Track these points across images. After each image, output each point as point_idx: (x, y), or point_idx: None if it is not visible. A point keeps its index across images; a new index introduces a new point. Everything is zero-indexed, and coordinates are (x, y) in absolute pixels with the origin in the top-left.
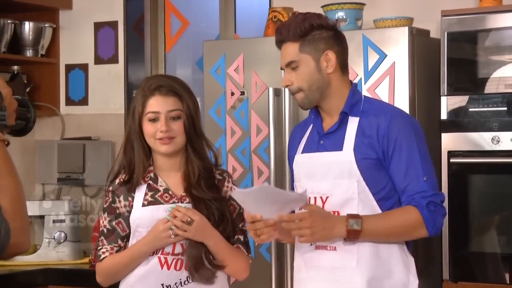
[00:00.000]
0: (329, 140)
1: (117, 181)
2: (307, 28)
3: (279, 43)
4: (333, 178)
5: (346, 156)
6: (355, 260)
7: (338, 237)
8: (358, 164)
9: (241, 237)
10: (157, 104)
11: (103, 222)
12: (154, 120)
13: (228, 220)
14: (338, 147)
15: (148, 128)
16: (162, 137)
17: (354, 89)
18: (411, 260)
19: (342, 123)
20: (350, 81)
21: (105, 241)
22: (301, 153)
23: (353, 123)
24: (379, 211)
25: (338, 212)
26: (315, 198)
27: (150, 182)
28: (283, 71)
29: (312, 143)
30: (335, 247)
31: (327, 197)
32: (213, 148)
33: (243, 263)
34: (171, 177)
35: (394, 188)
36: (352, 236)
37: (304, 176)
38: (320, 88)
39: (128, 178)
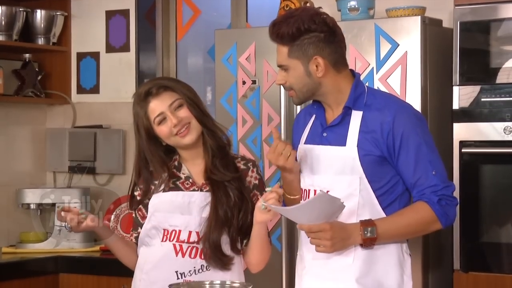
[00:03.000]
0: (332, 133)
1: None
2: (294, 33)
3: (272, 41)
4: (334, 173)
5: (349, 152)
6: (351, 257)
7: (354, 245)
8: (361, 160)
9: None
10: (156, 106)
11: (130, 211)
12: (163, 121)
13: (248, 201)
14: (341, 141)
15: (162, 130)
16: (179, 130)
17: (357, 82)
18: (408, 260)
19: (345, 117)
20: (352, 71)
21: (132, 229)
22: (304, 143)
23: (356, 117)
24: (379, 208)
25: None
26: (315, 191)
27: (174, 170)
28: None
29: (315, 135)
30: None
31: (327, 191)
32: (221, 128)
33: (267, 256)
34: (195, 165)
35: (396, 183)
36: (369, 243)
37: (306, 167)
38: (311, 90)
39: (144, 192)
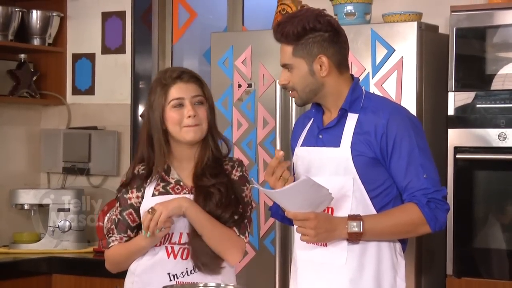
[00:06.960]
0: (328, 135)
1: (135, 172)
2: (299, 32)
3: (277, 41)
4: (329, 174)
5: (343, 152)
6: (344, 258)
7: (339, 239)
8: (355, 161)
9: (236, 217)
10: (180, 90)
11: (115, 212)
12: (178, 106)
13: (239, 201)
14: (336, 143)
15: (173, 115)
16: (190, 124)
17: (355, 85)
18: (401, 262)
19: (341, 119)
20: (352, 75)
21: (115, 231)
22: (301, 146)
23: (352, 119)
24: (372, 209)
25: (332, 209)
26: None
27: (163, 173)
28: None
29: (311, 137)
30: (325, 243)
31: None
32: (225, 138)
33: (234, 242)
34: (184, 168)
35: (390, 186)
36: (354, 238)
37: (301, 169)
38: (314, 90)
39: (146, 173)
